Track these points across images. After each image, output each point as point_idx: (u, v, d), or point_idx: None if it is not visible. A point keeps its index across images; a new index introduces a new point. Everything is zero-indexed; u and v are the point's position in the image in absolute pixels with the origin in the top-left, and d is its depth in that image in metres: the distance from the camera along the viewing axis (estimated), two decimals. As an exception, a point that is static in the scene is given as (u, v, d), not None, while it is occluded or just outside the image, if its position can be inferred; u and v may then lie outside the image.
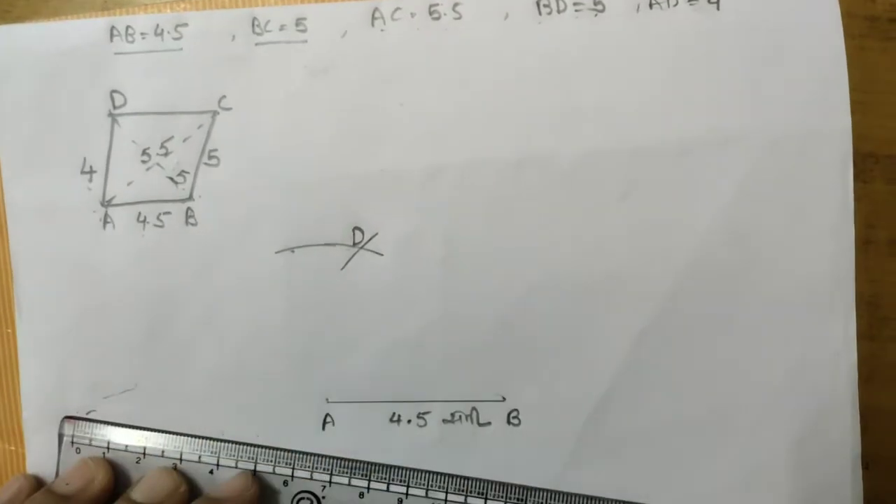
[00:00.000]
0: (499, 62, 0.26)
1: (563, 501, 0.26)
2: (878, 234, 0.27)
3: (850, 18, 0.27)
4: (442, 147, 0.26)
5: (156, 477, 0.27)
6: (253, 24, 0.27)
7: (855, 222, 0.26)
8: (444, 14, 0.26)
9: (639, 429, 0.26)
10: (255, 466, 0.27)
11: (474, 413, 0.27)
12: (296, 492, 0.27)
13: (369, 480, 0.27)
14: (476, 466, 0.27)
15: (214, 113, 0.27)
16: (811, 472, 0.26)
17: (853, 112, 0.26)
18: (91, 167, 0.27)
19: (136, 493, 0.26)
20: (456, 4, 0.26)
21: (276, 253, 0.27)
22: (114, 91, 0.27)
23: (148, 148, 0.27)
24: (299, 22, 0.26)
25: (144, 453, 0.27)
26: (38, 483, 0.28)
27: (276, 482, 0.27)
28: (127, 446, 0.27)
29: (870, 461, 0.26)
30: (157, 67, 0.27)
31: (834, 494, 0.26)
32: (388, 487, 0.27)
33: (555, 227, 0.26)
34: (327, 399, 0.27)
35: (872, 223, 0.27)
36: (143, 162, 0.27)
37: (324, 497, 0.27)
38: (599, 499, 0.26)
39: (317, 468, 0.27)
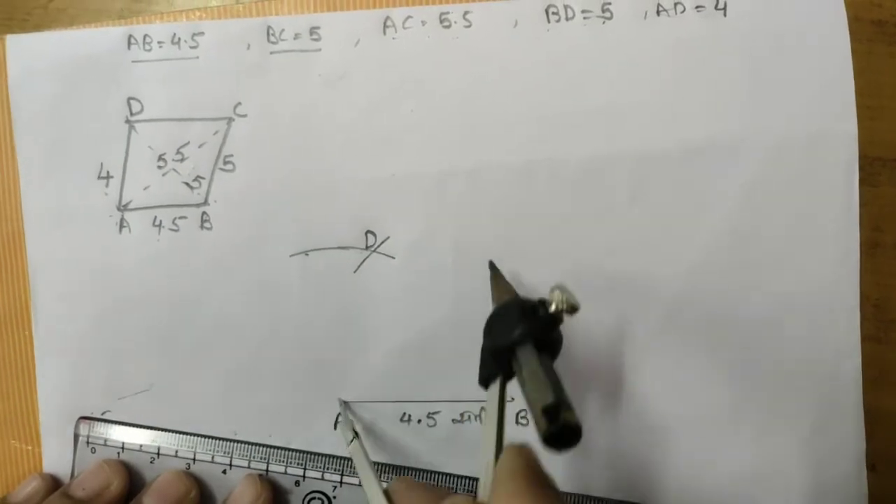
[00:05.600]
0: (508, 69, 0.28)
1: (569, 502, 0.28)
2: (886, 238, 0.29)
3: (858, 23, 0.29)
4: (452, 152, 0.28)
5: (167, 480, 0.29)
6: (268, 33, 0.29)
7: (862, 226, 0.28)
8: (455, 22, 0.28)
9: (645, 429, 0.28)
10: (268, 466, 0.29)
11: (483, 413, 0.29)
12: (307, 492, 0.29)
13: (380, 480, 0.29)
14: (485, 467, 0.29)
15: (230, 119, 0.29)
16: (816, 473, 0.28)
17: (861, 116, 0.28)
18: (108, 172, 0.29)
19: (149, 497, 0.28)
20: (466, 13, 0.28)
21: (291, 256, 0.29)
22: (131, 98, 0.29)
23: (164, 154, 0.29)
24: (313, 31, 0.29)
25: (158, 453, 0.30)
26: (54, 482, 0.30)
27: (288, 482, 0.29)
28: (141, 446, 0.30)
29: (876, 462, 0.28)
30: (173, 75, 0.29)
31: (839, 494, 0.28)
32: (398, 487, 0.29)
33: (563, 231, 0.28)
34: (339, 399, 0.29)
35: (880, 227, 0.29)
36: (160, 167, 0.29)
37: (335, 497, 0.29)
38: (605, 500, 0.29)
39: (328, 468, 0.29)
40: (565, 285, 0.22)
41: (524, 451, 0.19)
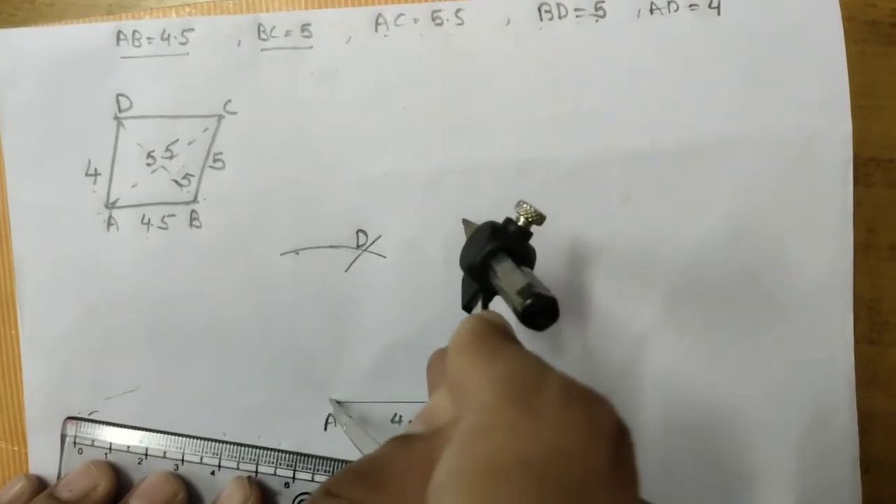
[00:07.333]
0: (500, 67, 0.28)
1: None
2: (879, 239, 0.30)
3: (852, 23, 0.29)
4: (444, 151, 0.29)
5: (155, 482, 0.29)
6: (259, 30, 0.29)
7: (856, 226, 0.28)
8: (447, 20, 0.29)
9: (639, 430, 0.28)
10: (257, 468, 0.29)
11: None
12: (297, 493, 0.29)
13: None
14: (477, 468, 0.29)
15: (220, 117, 0.29)
16: (810, 474, 0.28)
17: (855, 116, 0.28)
18: (96, 169, 0.29)
19: (136, 499, 0.28)
20: (458, 10, 0.29)
21: (281, 255, 0.29)
22: (120, 94, 0.29)
23: (153, 151, 0.29)
24: (304, 28, 0.29)
25: (146, 454, 0.30)
26: (40, 483, 0.30)
27: (278, 484, 0.29)
28: (129, 447, 0.30)
29: (870, 464, 0.29)
30: (163, 71, 0.29)
31: (833, 497, 0.28)
32: (389, 489, 0.29)
33: (556, 231, 0.28)
34: (331, 399, 0.29)
35: (873, 227, 0.30)
36: (148, 164, 0.29)
37: (325, 499, 0.29)
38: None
39: (318, 470, 0.29)
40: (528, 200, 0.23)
41: (483, 313, 0.19)
